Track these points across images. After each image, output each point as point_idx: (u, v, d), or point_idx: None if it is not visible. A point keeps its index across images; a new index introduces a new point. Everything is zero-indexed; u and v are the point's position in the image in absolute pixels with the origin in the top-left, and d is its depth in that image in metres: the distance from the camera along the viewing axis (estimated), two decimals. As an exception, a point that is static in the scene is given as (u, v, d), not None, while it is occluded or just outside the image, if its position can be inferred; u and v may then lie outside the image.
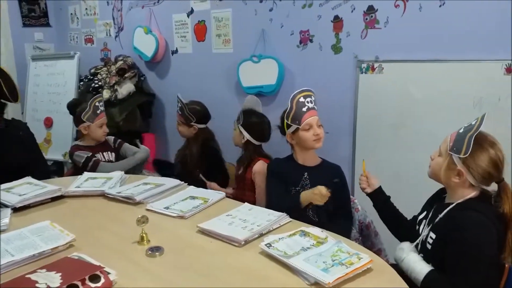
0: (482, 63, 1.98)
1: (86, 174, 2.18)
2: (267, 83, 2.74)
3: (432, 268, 1.31)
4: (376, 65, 2.33)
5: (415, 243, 1.42)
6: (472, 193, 1.35)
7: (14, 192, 1.84)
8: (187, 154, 2.44)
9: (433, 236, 1.36)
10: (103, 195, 1.91)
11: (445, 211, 1.36)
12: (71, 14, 4.27)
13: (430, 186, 2.08)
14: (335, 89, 2.53)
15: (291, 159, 1.92)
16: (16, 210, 1.74)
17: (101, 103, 2.45)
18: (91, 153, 2.41)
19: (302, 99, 1.80)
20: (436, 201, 1.49)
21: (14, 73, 4.15)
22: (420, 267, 1.32)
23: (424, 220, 1.46)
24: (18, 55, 4.18)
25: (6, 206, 1.74)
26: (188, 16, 3.19)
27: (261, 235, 1.48)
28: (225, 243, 1.45)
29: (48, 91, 3.64)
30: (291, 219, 1.63)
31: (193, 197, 1.87)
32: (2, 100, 2.22)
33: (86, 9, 4.09)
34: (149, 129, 3.69)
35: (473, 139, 1.27)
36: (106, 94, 3.42)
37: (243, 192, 2.18)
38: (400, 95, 2.25)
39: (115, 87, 3.42)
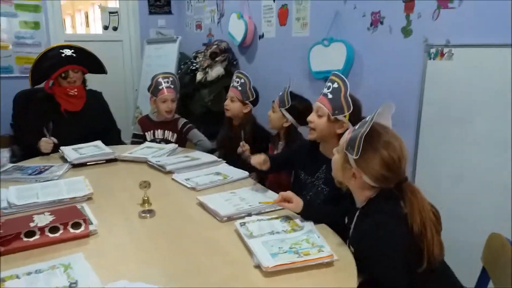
0: None
1: (146, 143, 2.45)
2: (335, 68, 2.61)
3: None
4: (445, 50, 2.02)
5: None
6: (371, 193, 1.21)
7: (79, 152, 2.18)
8: (233, 135, 2.47)
9: (352, 249, 1.24)
10: (147, 162, 2.13)
11: (354, 220, 1.24)
12: (187, 2, 4.69)
13: (495, 190, 1.82)
14: (402, 76, 2.28)
15: (316, 147, 1.82)
16: (75, 166, 2.07)
17: (165, 80, 2.61)
18: (142, 133, 2.65)
19: (327, 83, 1.70)
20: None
21: (139, 56, 4.78)
22: None
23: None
24: (143, 39, 4.77)
25: (67, 161, 2.08)
26: (274, 0, 3.22)
27: (249, 215, 1.49)
28: (212, 217, 1.51)
29: (156, 71, 4.09)
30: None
31: (217, 173, 1.95)
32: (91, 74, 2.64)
33: (198, -3, 4.45)
34: (236, 110, 3.86)
35: (362, 138, 1.12)
36: (199, 76, 3.71)
37: (278, 173, 2.15)
38: (470, 86, 1.92)
39: (207, 69, 3.67)
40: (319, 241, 1.26)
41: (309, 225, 1.37)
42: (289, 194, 1.45)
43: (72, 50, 2.52)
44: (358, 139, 1.16)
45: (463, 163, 2.00)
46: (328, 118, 1.65)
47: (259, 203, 1.56)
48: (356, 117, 1.65)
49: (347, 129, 1.68)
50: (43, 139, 2.26)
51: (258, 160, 1.77)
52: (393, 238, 1.12)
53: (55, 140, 2.28)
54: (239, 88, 2.43)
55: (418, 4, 2.14)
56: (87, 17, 8.33)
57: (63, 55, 2.45)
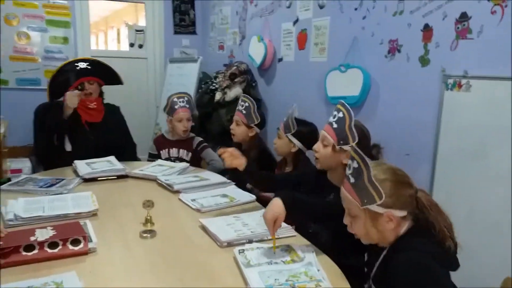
0: None
1: (158, 161, 2.46)
2: (350, 94, 2.59)
3: None
4: (463, 81, 1.97)
5: None
6: (403, 228, 1.14)
7: (92, 167, 2.21)
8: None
9: None
10: (156, 180, 2.14)
11: (380, 259, 1.16)
12: (211, 23, 4.78)
13: (508, 226, 1.71)
14: (419, 106, 2.24)
15: (323, 174, 1.78)
16: (86, 180, 2.10)
17: (180, 99, 2.65)
18: (157, 153, 2.67)
19: (333, 111, 1.67)
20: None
21: (162, 74, 4.86)
22: None
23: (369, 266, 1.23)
24: (167, 58, 4.86)
25: (78, 176, 2.11)
26: (293, 25, 3.25)
27: (250, 241, 1.46)
28: (212, 241, 1.48)
29: (176, 90, 4.16)
30: (296, 234, 1.56)
31: (224, 195, 1.93)
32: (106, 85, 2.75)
33: (222, 19, 4.52)
34: (253, 131, 3.86)
35: (374, 180, 1.08)
36: (217, 96, 3.74)
37: None
38: (488, 119, 1.86)
39: (225, 90, 3.70)
40: (318, 275, 1.21)
41: (310, 256, 1.33)
42: (269, 217, 1.36)
43: (87, 63, 2.60)
44: (368, 185, 1.09)
45: (479, 199, 1.92)
46: (333, 148, 1.62)
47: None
48: (364, 146, 1.61)
49: None
50: (68, 92, 2.42)
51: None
52: (428, 277, 1.07)
53: (80, 93, 2.44)
54: (244, 112, 2.45)
55: (436, 34, 2.12)
56: (118, 34, 8.61)
57: (78, 68, 2.53)
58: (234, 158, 1.77)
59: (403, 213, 1.13)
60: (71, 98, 2.41)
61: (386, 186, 1.10)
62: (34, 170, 3.42)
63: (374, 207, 1.11)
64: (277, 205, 1.37)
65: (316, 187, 1.77)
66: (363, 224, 1.16)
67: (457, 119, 2.02)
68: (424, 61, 2.20)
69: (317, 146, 1.69)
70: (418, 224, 1.16)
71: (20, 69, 4.26)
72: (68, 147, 2.48)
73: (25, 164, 3.73)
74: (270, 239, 1.49)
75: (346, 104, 1.64)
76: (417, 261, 1.07)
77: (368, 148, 1.68)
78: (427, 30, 2.17)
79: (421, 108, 2.22)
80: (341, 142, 1.61)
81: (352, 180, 1.15)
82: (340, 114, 1.62)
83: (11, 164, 3.60)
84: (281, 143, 2.15)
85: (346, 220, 1.22)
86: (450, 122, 2.06)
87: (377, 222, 1.14)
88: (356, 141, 1.60)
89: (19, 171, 3.52)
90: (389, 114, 2.43)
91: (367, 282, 1.23)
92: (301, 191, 1.81)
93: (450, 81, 2.04)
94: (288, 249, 1.38)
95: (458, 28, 2.00)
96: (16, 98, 4.14)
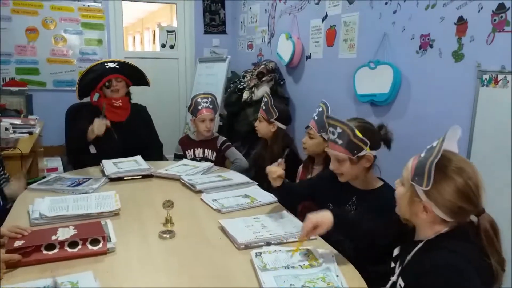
0: None
1: (183, 161, 2.47)
2: (380, 92, 2.50)
3: None
4: (500, 77, 1.85)
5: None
6: (444, 228, 1.08)
7: (118, 166, 2.24)
8: (265, 154, 2.44)
9: (402, 284, 1.09)
10: (180, 179, 2.14)
11: (413, 252, 1.10)
12: (241, 22, 4.77)
13: None
14: (452, 103, 2.12)
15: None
16: (112, 180, 2.13)
17: (204, 100, 2.63)
18: (183, 153, 2.68)
19: (329, 128, 1.61)
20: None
21: (193, 73, 4.90)
22: None
23: (399, 260, 1.17)
24: (197, 58, 4.90)
25: (104, 175, 2.14)
26: (322, 21, 3.18)
27: (268, 244, 1.43)
28: (231, 243, 1.46)
29: (205, 89, 4.17)
30: (316, 237, 1.51)
31: (246, 196, 1.91)
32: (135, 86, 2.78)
33: (251, 17, 4.51)
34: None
35: (433, 166, 1.01)
36: (245, 95, 3.73)
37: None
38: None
39: (253, 89, 3.68)
40: (336, 281, 1.16)
41: (329, 261, 1.28)
42: (312, 219, 1.32)
43: (116, 63, 2.64)
44: (427, 167, 1.05)
45: (516, 202, 1.80)
46: (351, 161, 1.55)
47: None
48: (376, 139, 1.56)
49: (374, 158, 1.57)
50: (97, 119, 2.43)
51: (274, 170, 1.73)
52: (460, 281, 1.01)
53: (108, 123, 2.45)
54: (264, 107, 2.46)
55: (471, 27, 2.00)
56: (153, 35, 8.79)
57: (106, 67, 2.58)
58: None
59: (445, 216, 1.08)
60: (99, 126, 2.41)
61: (447, 186, 1.05)
62: (64, 169, 3.54)
63: (418, 189, 1.09)
64: (326, 216, 1.33)
65: (338, 191, 1.69)
66: (403, 196, 1.15)
67: (493, 117, 1.90)
68: (457, 56, 2.08)
69: (334, 165, 1.61)
70: (463, 228, 1.09)
71: (57, 71, 4.42)
72: (93, 149, 2.51)
73: (59, 163, 3.87)
74: (289, 242, 1.45)
75: (337, 118, 1.56)
76: (452, 263, 1.02)
77: (379, 138, 1.59)
78: (461, 23, 2.05)
79: (455, 106, 2.11)
80: (355, 152, 1.54)
81: (422, 154, 1.12)
82: (339, 130, 1.54)
83: (47, 163, 3.74)
84: (313, 143, 2.09)
85: (397, 181, 1.21)
86: (485, 120, 1.94)
87: (413, 204, 1.12)
88: (369, 144, 1.53)
89: (55, 169, 3.65)
90: (420, 112, 2.33)
91: (393, 276, 1.17)
92: (318, 196, 1.76)
93: (486, 76, 1.92)
94: (308, 253, 1.33)
95: (494, 20, 1.88)
96: (53, 99, 4.30)
